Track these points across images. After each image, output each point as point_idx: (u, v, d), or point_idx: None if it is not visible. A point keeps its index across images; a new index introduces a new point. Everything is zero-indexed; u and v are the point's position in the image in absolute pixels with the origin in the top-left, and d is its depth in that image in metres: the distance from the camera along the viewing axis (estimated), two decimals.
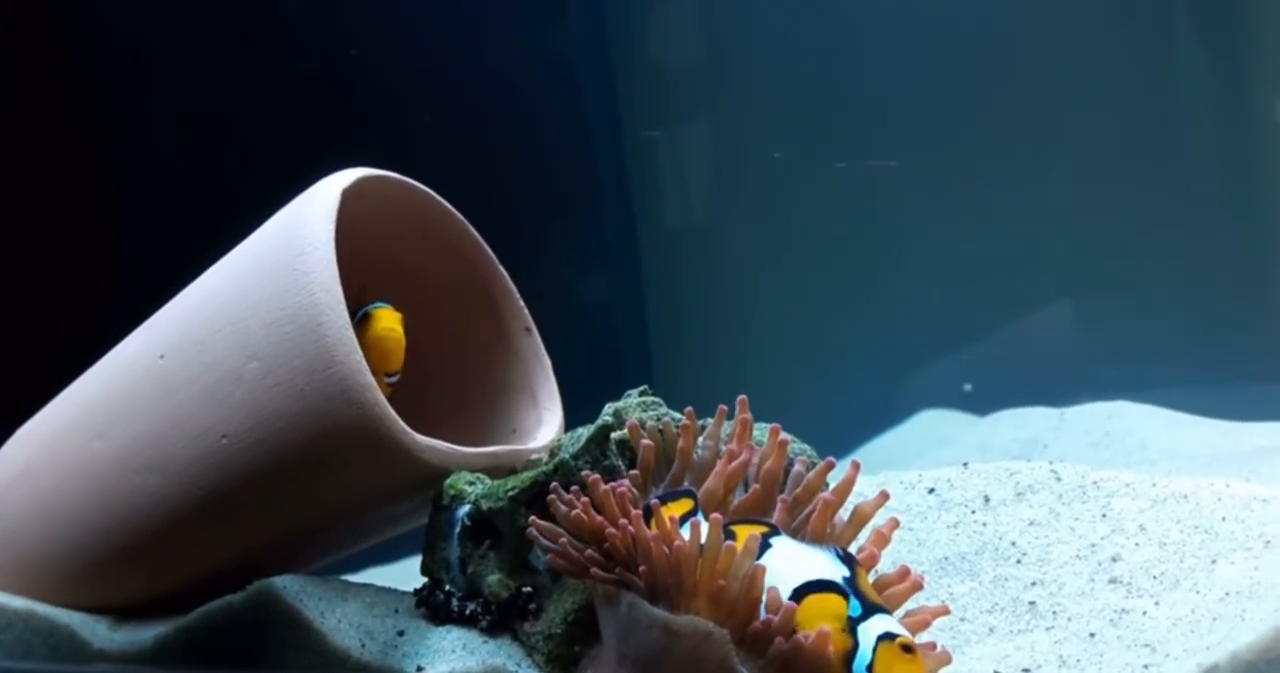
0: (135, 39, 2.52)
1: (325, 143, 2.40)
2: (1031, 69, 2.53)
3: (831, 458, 1.23)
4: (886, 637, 0.98)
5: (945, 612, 1.11)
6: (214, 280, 1.48)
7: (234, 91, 2.55)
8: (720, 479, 1.19)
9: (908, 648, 0.97)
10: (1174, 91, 2.49)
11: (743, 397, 1.25)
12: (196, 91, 2.56)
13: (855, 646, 0.98)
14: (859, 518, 1.18)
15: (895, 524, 1.18)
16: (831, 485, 1.20)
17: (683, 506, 1.17)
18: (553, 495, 1.20)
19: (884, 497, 1.19)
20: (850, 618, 1.00)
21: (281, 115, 2.55)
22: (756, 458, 1.23)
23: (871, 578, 1.09)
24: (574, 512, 1.14)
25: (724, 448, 1.23)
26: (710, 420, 1.32)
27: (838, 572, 1.04)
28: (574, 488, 1.19)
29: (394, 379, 1.45)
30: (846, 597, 1.02)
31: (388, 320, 1.42)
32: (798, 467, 1.24)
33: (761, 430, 1.29)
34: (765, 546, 1.07)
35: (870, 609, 1.01)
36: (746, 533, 1.07)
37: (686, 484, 1.22)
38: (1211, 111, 2.47)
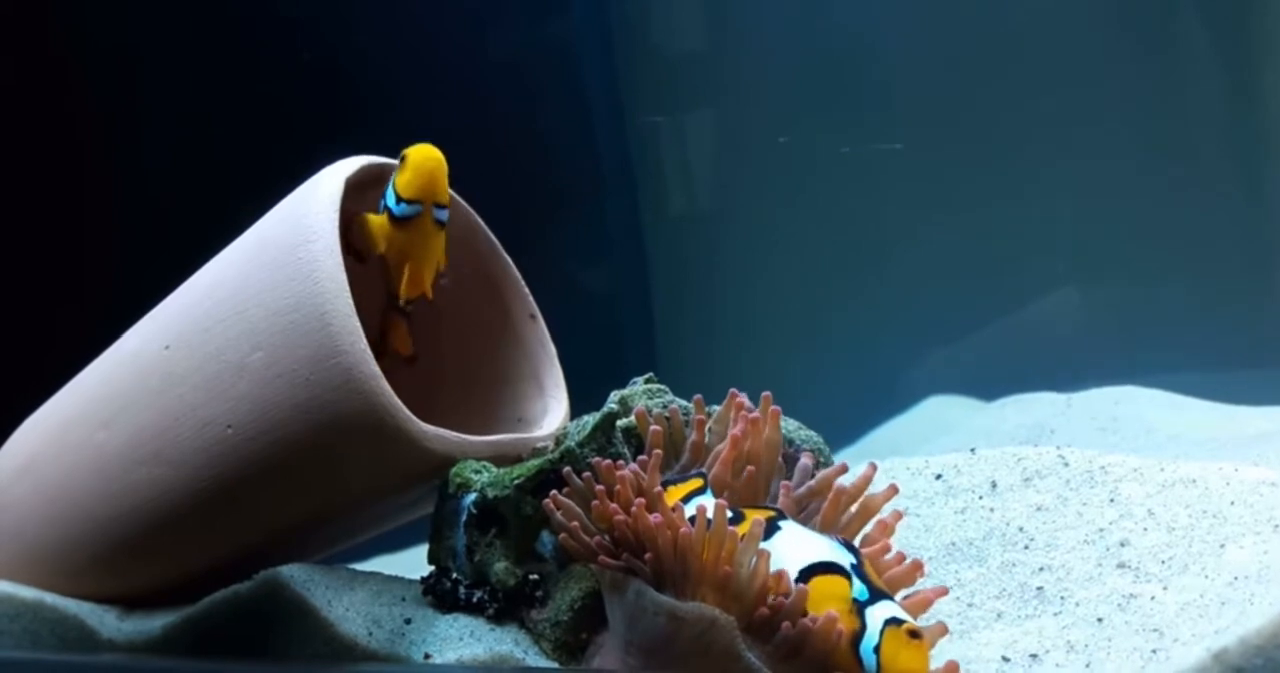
0: (136, 31, 2.52)
1: (327, 133, 2.40)
2: (1037, 54, 2.52)
3: (845, 462, 1.24)
4: (894, 621, 0.98)
5: (944, 592, 1.12)
6: (218, 271, 1.48)
7: (235, 82, 2.55)
8: (725, 465, 1.20)
9: (914, 634, 0.97)
10: (1179, 76, 2.48)
11: (767, 392, 1.26)
12: (197, 83, 2.56)
13: (863, 628, 0.99)
14: (866, 510, 1.18)
15: (899, 516, 1.18)
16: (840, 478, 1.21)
17: (692, 484, 1.17)
18: (568, 472, 1.20)
19: (893, 490, 1.20)
20: (857, 601, 1.01)
21: (284, 106, 2.55)
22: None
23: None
24: (598, 487, 1.15)
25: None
26: (719, 407, 1.32)
27: (844, 557, 1.05)
28: (585, 474, 1.19)
29: (443, 216, 1.42)
30: (851, 579, 1.02)
31: (423, 149, 1.39)
32: (804, 460, 1.24)
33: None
34: (774, 528, 1.08)
35: (877, 594, 1.01)
36: (752, 518, 1.08)
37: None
38: (1217, 96, 2.46)
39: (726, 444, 1.21)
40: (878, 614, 0.99)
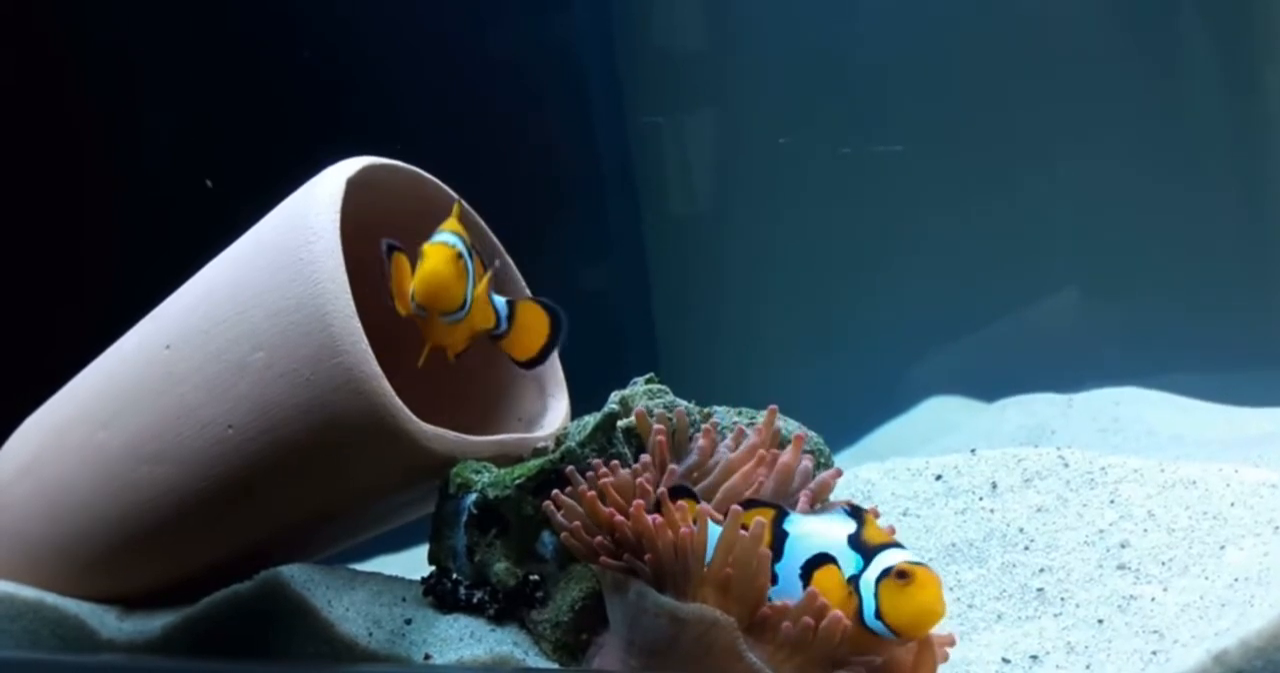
0: (136, 31, 2.52)
1: (327, 133, 2.39)
2: (1039, 55, 2.52)
3: (839, 468, 1.26)
4: (882, 576, 0.99)
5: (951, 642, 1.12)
6: (219, 271, 1.48)
7: (236, 82, 2.55)
8: (745, 480, 1.20)
9: (903, 574, 0.98)
10: (1181, 78, 2.48)
11: (773, 406, 1.28)
12: (197, 83, 2.55)
13: (860, 600, 1.00)
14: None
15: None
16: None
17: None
18: (571, 471, 1.20)
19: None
20: (851, 577, 1.02)
21: (284, 106, 2.55)
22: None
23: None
24: (590, 492, 1.15)
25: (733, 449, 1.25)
26: (717, 407, 1.32)
27: (844, 530, 1.05)
28: (589, 474, 1.19)
29: (457, 318, 1.36)
30: (843, 559, 1.03)
31: (434, 260, 1.31)
32: (805, 463, 1.25)
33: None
34: (783, 533, 1.08)
35: (869, 555, 1.02)
36: (753, 518, 1.08)
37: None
38: (1219, 97, 2.46)
39: (752, 463, 1.21)
40: (868, 580, 1.00)
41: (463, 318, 1.37)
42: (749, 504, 1.12)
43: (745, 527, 1.06)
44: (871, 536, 1.05)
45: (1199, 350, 2.32)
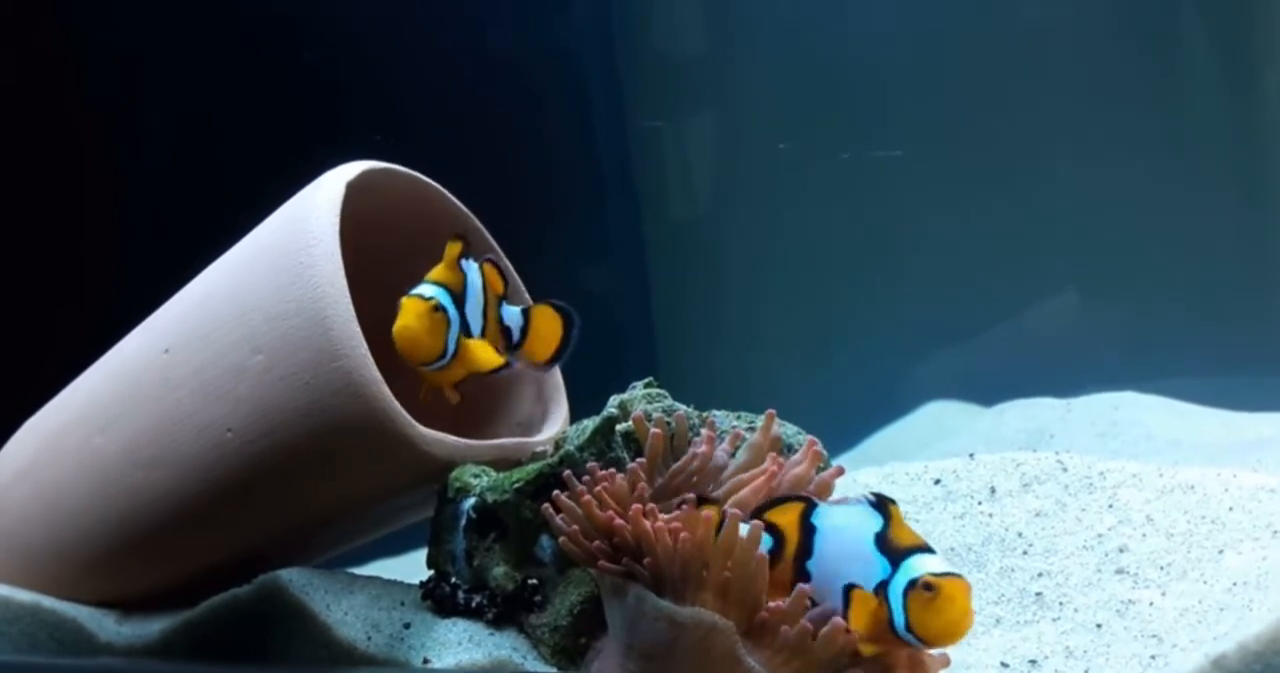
0: (136, 31, 2.52)
1: (327, 136, 2.39)
2: (1038, 59, 2.52)
3: (841, 466, 1.25)
4: (909, 587, 0.98)
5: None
6: (218, 275, 1.48)
7: (235, 85, 2.55)
8: (755, 493, 1.20)
9: (930, 586, 0.97)
10: (1181, 81, 2.48)
11: (770, 411, 1.27)
12: (197, 83, 2.55)
13: (890, 610, 0.99)
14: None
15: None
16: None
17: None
18: (568, 476, 1.20)
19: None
20: (879, 583, 1.01)
21: (284, 108, 2.55)
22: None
23: None
24: (585, 497, 1.15)
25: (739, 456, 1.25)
26: (715, 412, 1.32)
27: (871, 528, 1.04)
28: (586, 478, 1.20)
29: (438, 367, 1.37)
30: (869, 579, 1.02)
31: (406, 315, 1.32)
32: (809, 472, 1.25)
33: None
34: (811, 527, 1.08)
35: (896, 560, 1.01)
36: (783, 514, 1.08)
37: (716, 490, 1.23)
38: (1219, 101, 2.46)
39: (763, 477, 1.21)
40: (896, 591, 0.99)
41: (446, 364, 1.37)
42: (779, 501, 1.12)
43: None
44: (898, 536, 1.03)
45: (1198, 355, 2.32)
